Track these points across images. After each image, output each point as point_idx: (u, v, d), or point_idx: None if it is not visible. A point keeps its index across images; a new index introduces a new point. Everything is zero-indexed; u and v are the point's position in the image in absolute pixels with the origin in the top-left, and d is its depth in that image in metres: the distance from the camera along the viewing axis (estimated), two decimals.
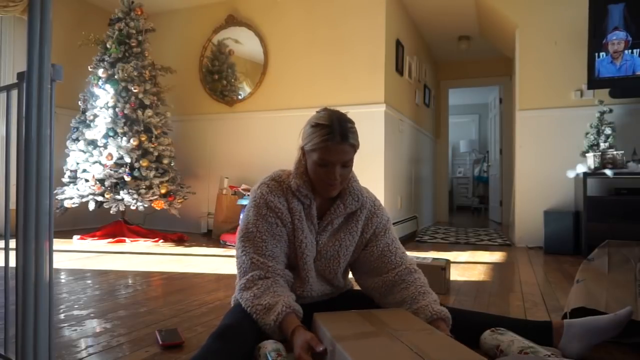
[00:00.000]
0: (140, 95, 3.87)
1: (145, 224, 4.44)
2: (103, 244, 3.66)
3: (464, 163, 9.43)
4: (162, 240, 3.86)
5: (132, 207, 3.77)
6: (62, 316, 1.71)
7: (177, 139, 4.43)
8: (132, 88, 3.82)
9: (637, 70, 3.23)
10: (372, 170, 3.80)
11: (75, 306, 1.85)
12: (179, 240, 3.91)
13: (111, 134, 3.79)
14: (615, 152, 3.20)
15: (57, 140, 3.72)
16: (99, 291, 2.13)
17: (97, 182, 3.72)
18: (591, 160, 3.24)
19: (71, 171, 3.91)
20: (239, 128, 4.44)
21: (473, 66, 6.37)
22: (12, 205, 3.43)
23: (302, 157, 1.40)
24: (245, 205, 1.53)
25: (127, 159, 3.72)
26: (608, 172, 3.13)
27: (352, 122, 1.35)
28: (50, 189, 0.89)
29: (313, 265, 1.42)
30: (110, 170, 3.71)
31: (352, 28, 3.95)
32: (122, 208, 3.74)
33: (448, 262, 2.25)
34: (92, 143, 3.86)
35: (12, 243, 0.97)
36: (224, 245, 3.65)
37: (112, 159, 3.72)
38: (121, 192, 3.69)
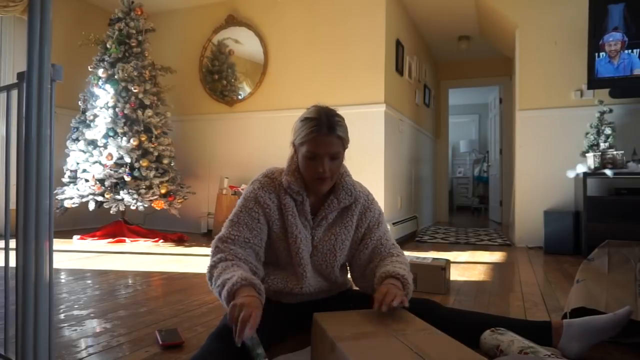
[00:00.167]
0: (140, 95, 3.87)
1: (145, 224, 4.44)
2: (103, 244, 3.66)
3: (464, 163, 9.43)
4: (162, 240, 3.86)
5: (132, 207, 3.77)
6: (62, 316, 1.71)
7: (177, 139, 4.43)
8: (132, 88, 3.82)
9: (635, 68, 3.24)
10: (372, 170, 3.80)
11: (75, 306, 1.85)
12: (179, 240, 3.91)
13: (111, 134, 3.79)
14: (615, 152, 3.20)
15: (57, 140, 3.72)
16: (99, 291, 2.13)
17: (97, 182, 3.72)
18: (591, 160, 3.24)
19: (71, 171, 3.91)
20: (239, 128, 4.44)
21: (473, 66, 6.37)
22: (12, 205, 3.43)
23: (294, 154, 1.41)
24: None
25: (127, 159, 3.72)
26: (608, 172, 3.13)
27: (340, 117, 1.37)
28: (50, 189, 0.89)
29: (309, 260, 1.43)
30: (110, 170, 3.71)
31: (352, 28, 3.95)
32: (122, 208, 3.74)
33: (448, 262, 2.25)
34: (92, 143, 3.86)
35: (12, 243, 0.97)
36: None
37: (112, 159, 3.72)
38: (121, 192, 3.69)
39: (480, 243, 4.03)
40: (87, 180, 3.77)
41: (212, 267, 1.29)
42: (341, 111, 1.40)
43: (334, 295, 1.53)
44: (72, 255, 3.14)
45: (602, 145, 3.34)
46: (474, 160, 9.03)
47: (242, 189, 3.96)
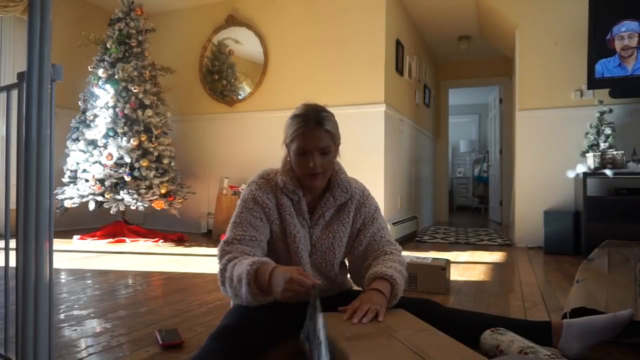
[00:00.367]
0: (140, 95, 3.87)
1: (145, 224, 4.44)
2: (103, 244, 3.66)
3: (464, 163, 9.43)
4: (162, 240, 3.86)
5: (132, 207, 3.77)
6: (62, 316, 1.71)
7: (177, 139, 4.43)
8: (132, 88, 3.82)
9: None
10: (372, 170, 3.80)
11: (75, 306, 1.85)
12: (179, 240, 3.91)
13: (111, 134, 3.79)
14: (615, 152, 3.20)
15: (57, 140, 3.71)
16: (99, 291, 2.13)
17: (97, 182, 3.72)
18: (591, 160, 3.24)
19: (71, 171, 3.91)
20: (239, 128, 4.44)
21: (473, 66, 6.36)
22: (13, 205, 3.43)
23: (287, 154, 1.42)
24: None
25: (127, 159, 3.72)
26: (608, 172, 3.13)
27: (328, 112, 1.38)
28: (50, 189, 0.89)
29: (308, 259, 1.43)
30: (110, 170, 3.71)
31: (352, 28, 3.95)
32: (122, 208, 3.74)
33: (448, 262, 2.25)
34: (92, 143, 3.86)
35: (12, 243, 0.97)
36: None
37: (112, 159, 3.72)
38: (121, 192, 3.69)
39: (480, 243, 4.02)
40: (87, 180, 3.77)
41: (222, 270, 1.29)
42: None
43: (333, 295, 1.53)
44: (72, 255, 3.14)
45: (602, 145, 3.34)
46: (474, 160, 9.03)
47: (242, 189, 3.96)
